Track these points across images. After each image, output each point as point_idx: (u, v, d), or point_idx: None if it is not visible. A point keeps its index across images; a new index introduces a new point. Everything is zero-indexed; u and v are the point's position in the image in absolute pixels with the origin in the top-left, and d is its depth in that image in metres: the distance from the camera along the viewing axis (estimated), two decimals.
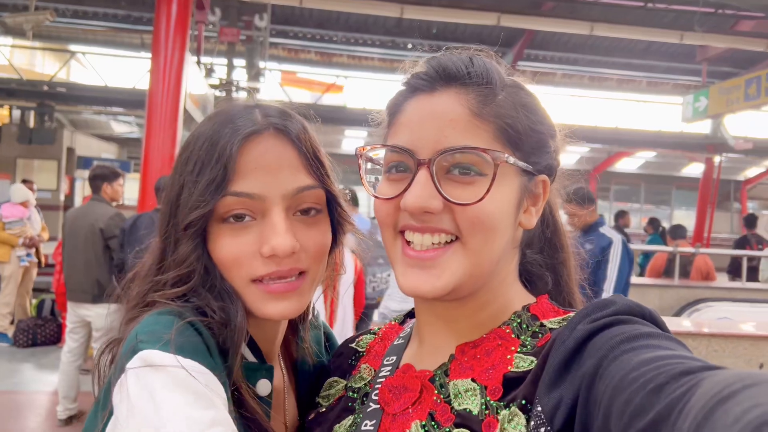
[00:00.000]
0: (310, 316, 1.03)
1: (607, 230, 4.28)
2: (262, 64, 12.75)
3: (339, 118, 13.28)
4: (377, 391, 0.81)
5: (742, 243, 9.95)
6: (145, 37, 14.42)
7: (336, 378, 0.93)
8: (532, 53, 15.68)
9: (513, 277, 0.82)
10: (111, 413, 0.69)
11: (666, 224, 12.40)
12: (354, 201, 5.90)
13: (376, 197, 0.78)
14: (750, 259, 8.67)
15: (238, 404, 0.77)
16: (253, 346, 0.86)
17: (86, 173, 7.92)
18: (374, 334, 0.98)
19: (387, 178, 0.78)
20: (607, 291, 4.07)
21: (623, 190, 23.21)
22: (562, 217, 0.92)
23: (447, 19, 11.80)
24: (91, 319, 4.89)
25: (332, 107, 14.09)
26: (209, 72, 11.94)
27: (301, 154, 0.84)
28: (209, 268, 0.82)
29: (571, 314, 0.76)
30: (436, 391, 0.75)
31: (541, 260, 0.87)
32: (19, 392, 5.74)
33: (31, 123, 13.05)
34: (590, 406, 0.58)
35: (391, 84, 0.86)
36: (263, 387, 0.84)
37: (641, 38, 13.03)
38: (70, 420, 4.94)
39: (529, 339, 0.74)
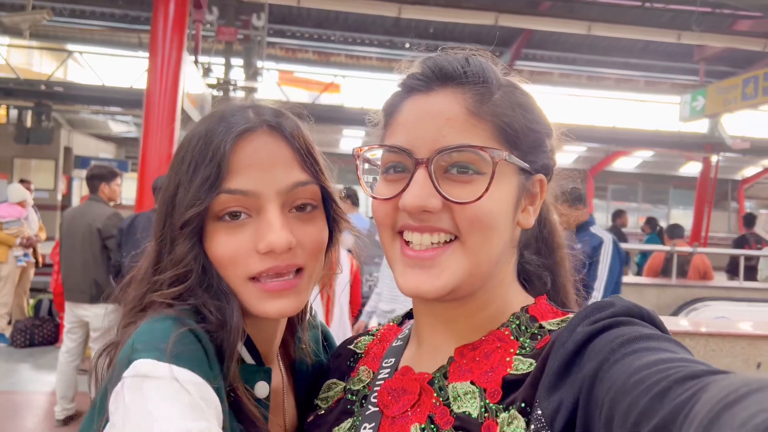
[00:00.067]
0: (308, 316, 1.03)
1: (598, 230, 4.27)
2: (259, 64, 12.73)
3: (337, 117, 13.27)
4: (376, 394, 0.81)
5: (740, 242, 9.97)
6: (142, 36, 14.38)
7: (334, 380, 0.93)
8: (530, 53, 15.68)
9: (511, 278, 0.82)
10: (107, 420, 0.70)
11: (663, 223, 12.41)
12: (354, 200, 5.90)
13: (374, 198, 0.78)
14: (749, 258, 8.68)
15: (236, 407, 0.77)
16: (251, 347, 0.86)
17: (84, 173, 7.91)
18: (372, 335, 0.98)
19: (384, 178, 0.78)
20: (598, 290, 4.06)
21: (621, 190, 23.23)
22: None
23: (445, 18, 11.81)
24: (88, 319, 4.88)
25: (330, 107, 14.09)
26: (207, 71, 11.91)
27: (295, 151, 0.84)
28: (206, 268, 0.82)
29: (570, 315, 0.76)
30: (435, 394, 0.75)
31: (538, 260, 0.87)
32: (16, 392, 5.73)
33: (29, 122, 12.99)
34: (591, 410, 0.57)
35: (389, 83, 0.86)
36: (261, 389, 0.84)
37: (639, 38, 13.03)
38: (67, 420, 4.93)
39: (528, 341, 0.74)
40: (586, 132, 13.92)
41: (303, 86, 15.80)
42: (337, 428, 0.83)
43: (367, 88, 18.60)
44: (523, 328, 0.76)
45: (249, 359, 0.85)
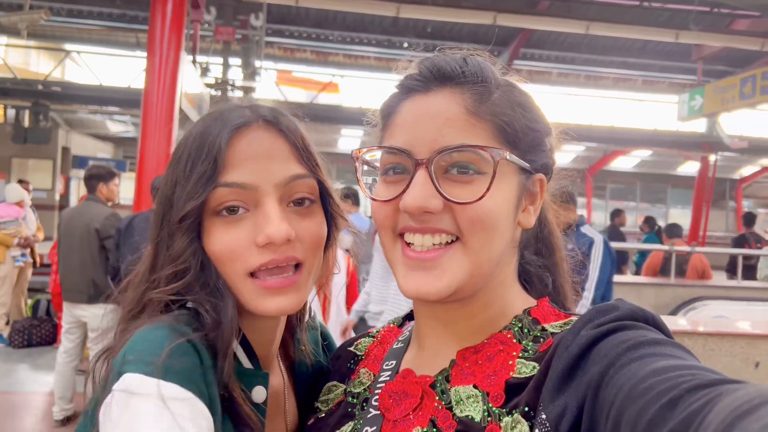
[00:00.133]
0: (307, 317, 1.02)
1: (588, 230, 4.25)
2: (257, 63, 12.73)
3: (335, 117, 13.29)
4: (377, 397, 0.80)
5: (740, 241, 9.97)
6: (140, 36, 14.37)
7: (335, 382, 0.92)
8: (528, 52, 15.70)
9: (512, 278, 0.82)
10: (98, 431, 0.70)
11: (662, 223, 12.41)
12: (355, 200, 5.90)
13: (373, 200, 0.78)
14: (749, 257, 8.68)
15: (232, 412, 0.77)
16: (249, 351, 0.85)
17: (81, 173, 7.90)
18: (372, 337, 0.97)
19: (384, 180, 0.77)
20: (589, 291, 4.04)
21: (619, 189, 23.25)
22: None
23: (443, 18, 11.81)
24: (87, 319, 4.87)
25: (328, 106, 14.10)
26: (205, 71, 11.91)
27: (291, 145, 0.84)
28: (204, 265, 0.81)
29: (573, 318, 0.75)
30: (437, 398, 0.74)
31: (538, 261, 0.86)
32: (14, 393, 5.72)
33: (26, 122, 12.98)
34: (596, 415, 0.57)
35: (387, 83, 0.86)
36: (258, 394, 0.83)
37: (637, 37, 13.05)
38: (66, 420, 4.92)
39: (530, 344, 0.74)
40: (585, 131, 13.94)
41: (301, 86, 15.80)
42: (338, 431, 0.82)
43: (365, 88, 18.62)
44: (526, 330, 0.75)
45: (247, 363, 0.84)
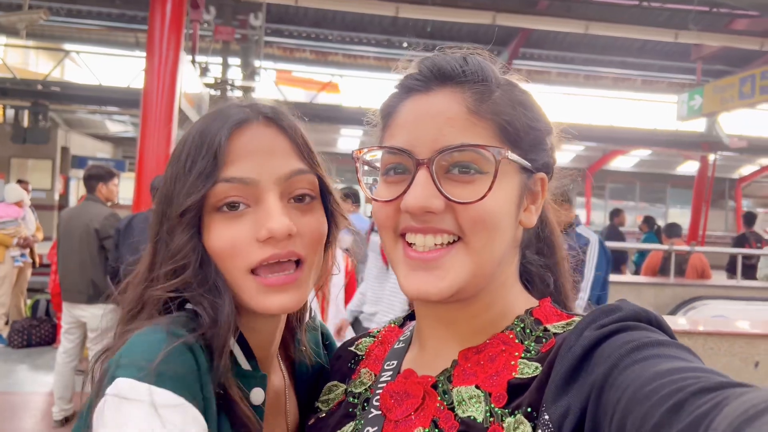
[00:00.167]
0: (307, 317, 1.02)
1: (584, 230, 4.25)
2: (257, 63, 12.73)
3: (334, 117, 13.28)
4: (378, 397, 0.80)
5: (740, 241, 9.96)
6: (139, 35, 14.37)
7: (335, 382, 0.92)
8: (528, 52, 15.70)
9: (514, 278, 0.82)
10: None
11: (661, 222, 12.40)
12: (356, 199, 5.90)
13: (374, 200, 0.77)
14: (749, 257, 8.68)
15: (230, 413, 0.76)
16: (247, 352, 0.85)
17: (81, 173, 7.88)
18: (373, 337, 0.97)
19: (385, 180, 0.77)
20: (585, 291, 4.04)
21: (618, 189, 23.26)
22: None
23: (442, 18, 11.81)
24: (86, 319, 4.87)
25: (328, 106, 14.09)
26: (204, 71, 11.91)
27: (292, 141, 0.84)
28: (204, 262, 0.81)
29: (575, 318, 0.75)
30: (439, 398, 0.74)
31: (540, 260, 0.86)
32: (14, 393, 5.72)
33: (25, 122, 12.98)
34: (600, 416, 0.57)
35: (387, 83, 0.86)
36: (256, 396, 0.82)
37: (636, 37, 13.06)
38: (65, 421, 4.91)
39: (533, 344, 0.73)
40: (584, 131, 13.93)
41: (300, 86, 15.81)
42: (339, 431, 0.82)
43: (365, 88, 18.62)
44: (528, 331, 0.75)
45: (245, 365, 0.84)
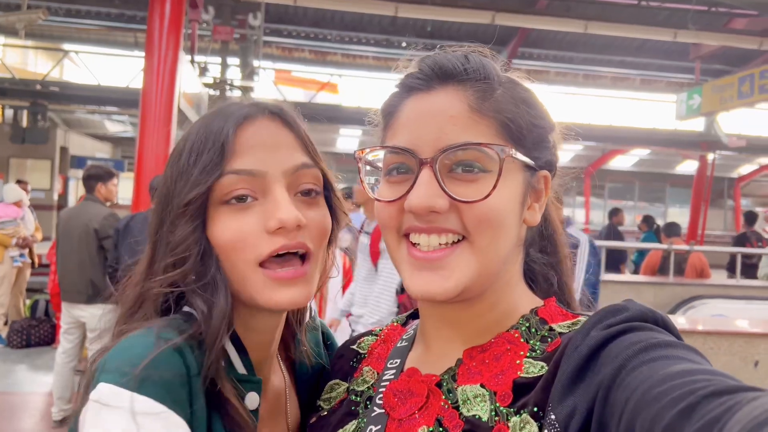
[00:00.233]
0: (308, 317, 1.02)
1: (574, 231, 4.26)
2: (256, 63, 12.73)
3: (334, 116, 13.27)
4: (381, 395, 0.79)
5: (741, 240, 9.96)
6: (138, 35, 14.36)
7: (337, 381, 0.92)
8: (527, 51, 15.71)
9: (518, 277, 0.81)
10: None
11: (660, 222, 12.40)
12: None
13: (377, 200, 0.77)
14: (749, 256, 8.68)
15: (224, 415, 0.76)
16: (243, 356, 0.84)
17: (80, 173, 7.87)
18: (376, 335, 0.96)
19: (387, 180, 0.77)
20: (576, 292, 4.06)
21: (617, 188, 23.28)
22: None
23: (442, 17, 11.82)
24: (85, 319, 4.86)
25: (327, 106, 14.09)
26: (203, 71, 11.90)
27: (297, 136, 0.85)
28: (205, 255, 0.80)
29: (580, 318, 0.75)
30: (443, 397, 0.74)
31: (543, 258, 0.86)
32: (13, 393, 5.71)
33: (24, 122, 12.98)
34: (607, 417, 0.56)
35: (386, 82, 0.86)
36: (251, 400, 0.82)
37: (635, 36, 13.06)
38: (65, 421, 4.91)
39: (538, 344, 0.73)
40: (583, 130, 13.56)
41: (300, 85, 15.81)
42: (341, 430, 0.81)
43: (364, 87, 18.62)
44: (533, 330, 0.75)
45: (241, 369, 0.83)
